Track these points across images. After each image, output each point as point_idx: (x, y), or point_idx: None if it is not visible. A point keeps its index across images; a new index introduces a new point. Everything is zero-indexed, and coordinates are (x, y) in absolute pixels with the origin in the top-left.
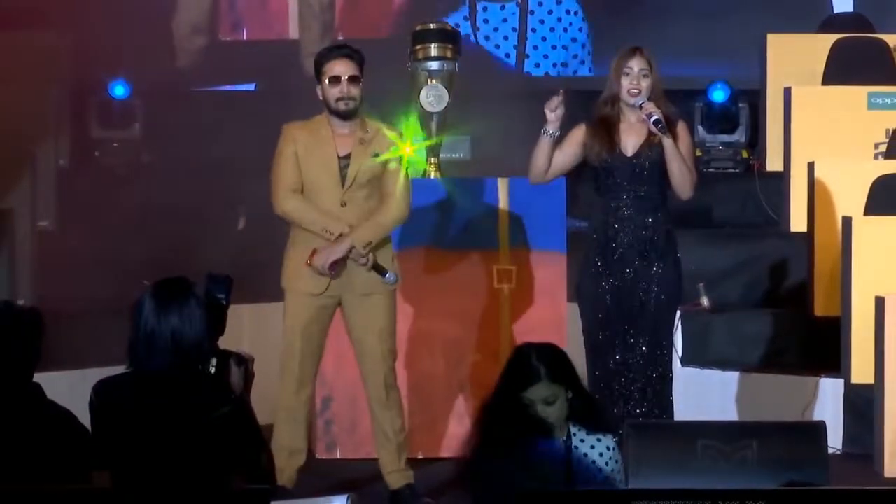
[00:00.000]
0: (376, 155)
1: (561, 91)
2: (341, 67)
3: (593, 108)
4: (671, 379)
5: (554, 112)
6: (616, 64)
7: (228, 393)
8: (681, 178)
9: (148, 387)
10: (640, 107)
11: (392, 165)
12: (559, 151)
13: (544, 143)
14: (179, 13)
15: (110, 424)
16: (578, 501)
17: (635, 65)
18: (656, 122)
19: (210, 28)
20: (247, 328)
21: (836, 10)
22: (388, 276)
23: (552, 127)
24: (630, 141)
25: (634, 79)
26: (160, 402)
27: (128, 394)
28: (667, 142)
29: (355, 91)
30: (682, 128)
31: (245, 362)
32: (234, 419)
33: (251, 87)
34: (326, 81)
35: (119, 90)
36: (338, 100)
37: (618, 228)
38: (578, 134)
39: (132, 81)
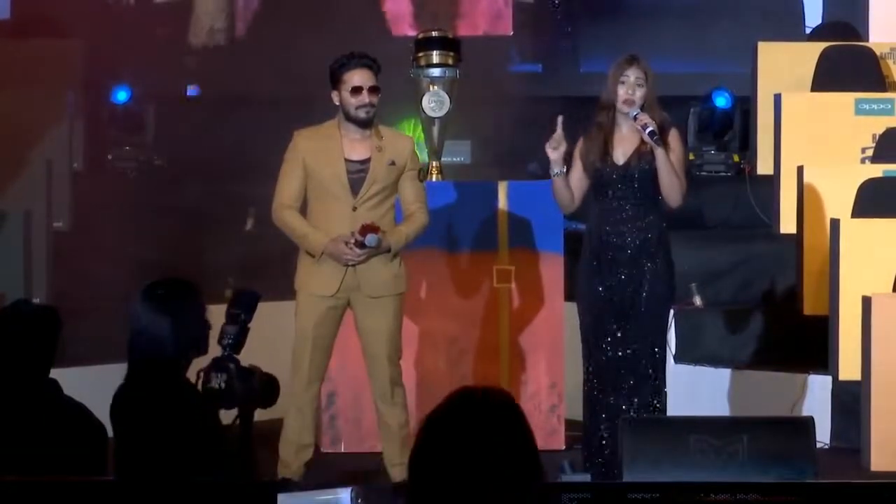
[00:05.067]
0: (392, 163)
1: (559, 124)
2: (363, 77)
3: (593, 114)
4: (664, 375)
5: (556, 150)
6: (613, 72)
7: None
8: (670, 188)
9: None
10: (635, 118)
11: (412, 174)
12: (573, 173)
13: (557, 183)
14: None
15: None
16: (575, 492)
17: (631, 73)
18: (651, 134)
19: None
20: (257, 326)
21: (807, 20)
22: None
23: (557, 167)
24: (621, 150)
25: (630, 88)
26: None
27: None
28: (659, 152)
29: (375, 100)
30: (674, 136)
31: (250, 377)
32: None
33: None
34: (347, 90)
35: (122, 95)
36: (358, 108)
37: (611, 231)
38: (578, 149)
39: (137, 87)
